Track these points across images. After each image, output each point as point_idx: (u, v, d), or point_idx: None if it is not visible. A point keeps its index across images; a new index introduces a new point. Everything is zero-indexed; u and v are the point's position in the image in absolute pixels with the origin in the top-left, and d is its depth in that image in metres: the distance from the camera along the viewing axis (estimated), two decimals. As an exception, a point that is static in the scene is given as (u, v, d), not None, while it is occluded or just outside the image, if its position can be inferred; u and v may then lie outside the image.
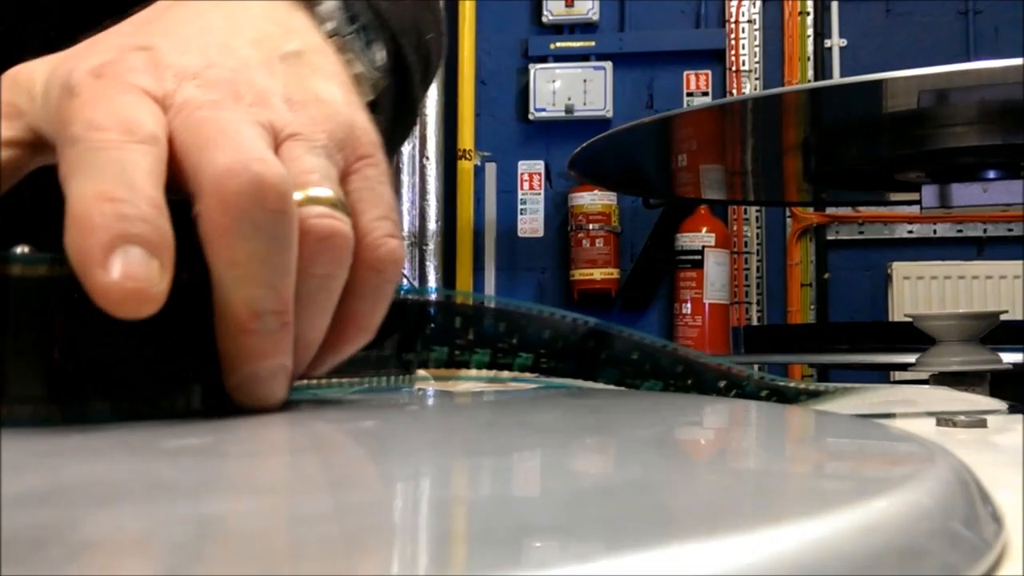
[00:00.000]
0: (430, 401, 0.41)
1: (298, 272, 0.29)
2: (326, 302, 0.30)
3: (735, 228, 2.85)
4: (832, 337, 1.70)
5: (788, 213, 2.83)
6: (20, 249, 0.27)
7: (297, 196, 0.29)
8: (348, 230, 0.30)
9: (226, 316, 0.28)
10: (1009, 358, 0.99)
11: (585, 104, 2.87)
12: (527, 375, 0.44)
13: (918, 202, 1.40)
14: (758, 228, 2.86)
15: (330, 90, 0.34)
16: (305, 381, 0.35)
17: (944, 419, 0.37)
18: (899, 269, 2.72)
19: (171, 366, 0.30)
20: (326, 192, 0.30)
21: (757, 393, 0.46)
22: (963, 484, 0.17)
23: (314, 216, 0.29)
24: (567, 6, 2.93)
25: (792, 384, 0.47)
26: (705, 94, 2.93)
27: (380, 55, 0.40)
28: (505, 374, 0.43)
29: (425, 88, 0.55)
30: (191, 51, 0.31)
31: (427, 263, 3.28)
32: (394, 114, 0.48)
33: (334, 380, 0.37)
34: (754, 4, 2.96)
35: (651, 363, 0.44)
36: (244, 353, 0.29)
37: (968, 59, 2.63)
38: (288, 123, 0.31)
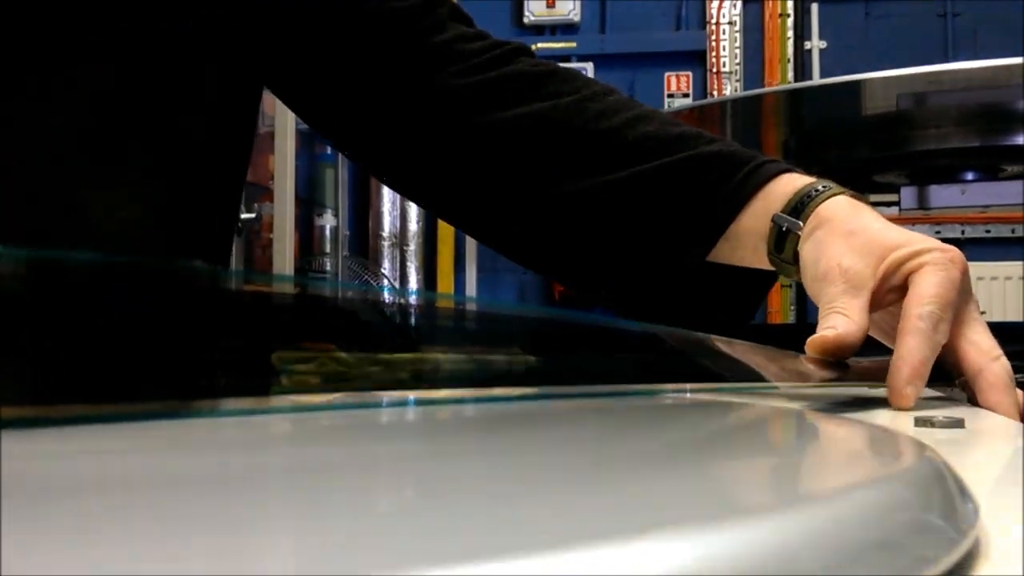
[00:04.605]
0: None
1: None
2: None
3: (716, 229, 2.85)
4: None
5: (768, 214, 2.84)
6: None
7: None
8: None
9: None
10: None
11: (566, 105, 2.88)
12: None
13: (897, 203, 1.41)
14: (738, 229, 2.87)
15: None
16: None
17: (922, 420, 0.37)
18: (878, 270, 2.73)
19: (156, 368, 0.30)
20: None
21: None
22: (940, 476, 0.17)
23: None
24: (548, 7, 2.94)
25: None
26: (686, 95, 2.95)
27: None
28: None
29: None
30: None
31: (408, 264, 3.28)
32: None
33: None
34: (735, 6, 2.97)
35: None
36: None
37: (947, 60, 2.64)
38: None
